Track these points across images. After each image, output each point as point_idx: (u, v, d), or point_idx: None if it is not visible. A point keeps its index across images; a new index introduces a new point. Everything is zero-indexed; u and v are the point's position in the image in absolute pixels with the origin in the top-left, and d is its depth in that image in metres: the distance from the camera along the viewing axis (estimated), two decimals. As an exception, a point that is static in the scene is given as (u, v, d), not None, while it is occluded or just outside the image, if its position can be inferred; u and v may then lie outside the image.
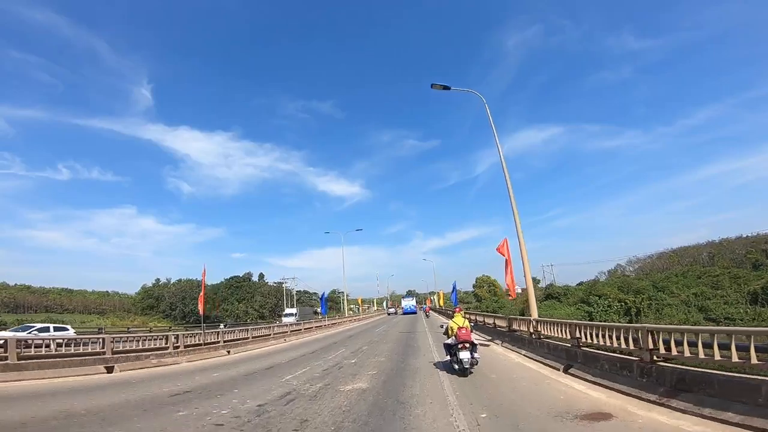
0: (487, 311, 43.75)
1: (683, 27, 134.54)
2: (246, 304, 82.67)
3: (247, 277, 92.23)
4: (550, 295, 57.02)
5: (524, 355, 12.30)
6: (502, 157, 14.50)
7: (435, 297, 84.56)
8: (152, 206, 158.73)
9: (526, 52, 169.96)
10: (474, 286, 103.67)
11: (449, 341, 9.80)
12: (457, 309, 11.63)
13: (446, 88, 15.18)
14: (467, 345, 9.24)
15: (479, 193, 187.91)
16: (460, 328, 9.51)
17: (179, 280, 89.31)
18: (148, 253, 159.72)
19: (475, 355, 9.48)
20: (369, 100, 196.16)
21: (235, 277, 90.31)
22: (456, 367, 9.43)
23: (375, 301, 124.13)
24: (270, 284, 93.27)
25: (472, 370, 9.38)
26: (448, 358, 9.90)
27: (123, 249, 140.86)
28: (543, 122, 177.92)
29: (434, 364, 11.22)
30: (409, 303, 76.08)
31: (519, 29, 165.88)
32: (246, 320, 69.92)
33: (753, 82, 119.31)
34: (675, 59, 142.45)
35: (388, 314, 75.97)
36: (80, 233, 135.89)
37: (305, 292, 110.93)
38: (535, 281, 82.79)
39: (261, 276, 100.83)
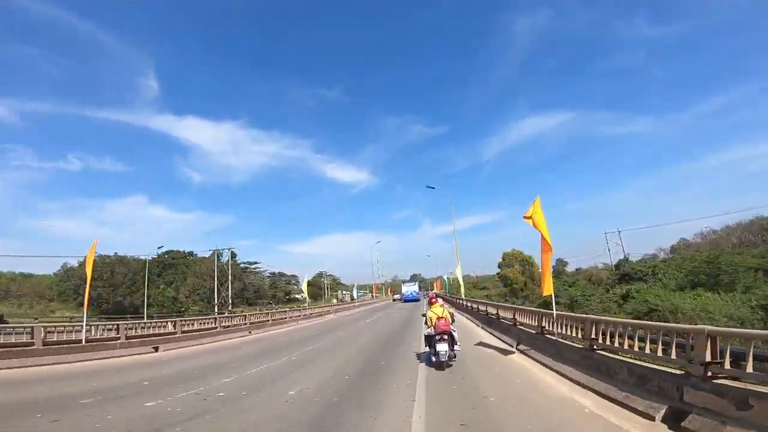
0: (514, 302, 36.44)
1: (697, 13, 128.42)
2: (176, 288, 63.68)
3: (189, 253, 73.55)
4: (627, 276, 43.66)
5: (574, 382, 6.82)
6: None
7: (441, 282, 70.10)
8: (163, 195, 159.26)
9: (536, 36, 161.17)
10: (500, 266, 73.26)
11: (428, 332, 9.28)
12: (433, 298, 11.02)
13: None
14: (445, 337, 8.81)
15: (487, 179, 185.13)
16: (438, 318, 9.02)
17: (112, 255, 67.47)
18: (160, 240, 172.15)
19: (456, 347, 9.06)
20: (377, 87, 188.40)
21: (170, 251, 71.41)
22: (433, 359, 8.95)
23: (373, 287, 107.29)
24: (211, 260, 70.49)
25: (450, 363, 8.98)
26: (427, 349, 9.45)
27: (136, 236, 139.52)
28: (553, 107, 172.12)
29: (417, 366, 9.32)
30: (410, 288, 65.06)
31: (529, 12, 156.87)
32: (178, 309, 55.46)
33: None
34: (689, 45, 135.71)
35: (394, 300, 69.46)
36: (93, 223, 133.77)
37: (281, 274, 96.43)
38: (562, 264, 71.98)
39: (227, 256, 79.79)
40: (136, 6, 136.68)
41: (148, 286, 57.33)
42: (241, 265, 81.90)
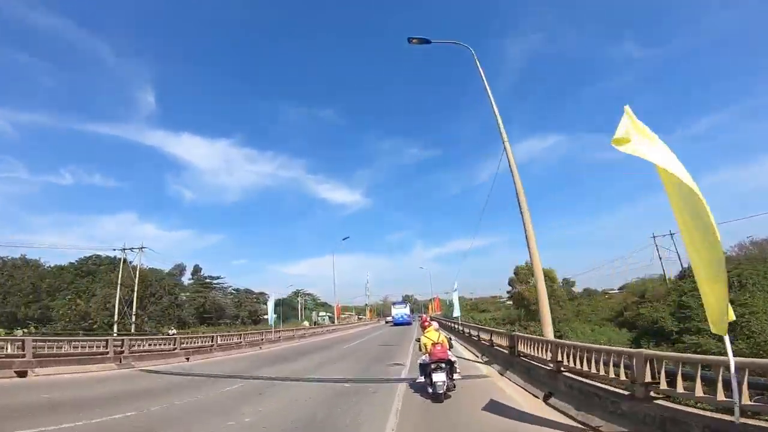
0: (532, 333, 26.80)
1: (683, 34, 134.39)
2: (87, 300, 48.51)
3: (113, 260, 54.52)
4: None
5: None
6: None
7: (439, 302, 64.33)
8: (153, 212, 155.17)
9: (527, 60, 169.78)
10: (512, 283, 61.99)
11: (423, 360, 8.71)
12: (426, 321, 10.25)
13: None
14: (442, 365, 8.16)
15: (481, 204, 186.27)
16: (434, 344, 8.43)
17: (18, 258, 54.50)
18: (147, 259, 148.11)
19: (455, 376, 8.54)
20: (371, 108, 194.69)
21: (94, 256, 59.59)
22: (430, 390, 8.21)
23: (365, 309, 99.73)
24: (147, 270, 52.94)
25: (449, 394, 8.33)
26: (422, 378, 8.67)
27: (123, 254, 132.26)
28: (543, 131, 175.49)
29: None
30: (401, 311, 59.81)
31: (520, 37, 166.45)
32: (90, 326, 42.36)
33: (753, 89, 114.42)
34: (674, 68, 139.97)
35: (387, 322, 64.56)
36: (82, 238, 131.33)
37: (247, 291, 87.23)
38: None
39: (189, 271, 76.44)
40: (134, 21, 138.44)
41: (55, 296, 50.24)
42: (206, 280, 75.90)
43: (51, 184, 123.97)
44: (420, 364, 8.90)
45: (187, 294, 69.92)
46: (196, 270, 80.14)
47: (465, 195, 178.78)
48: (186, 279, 78.60)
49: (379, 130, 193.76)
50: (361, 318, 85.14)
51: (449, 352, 8.62)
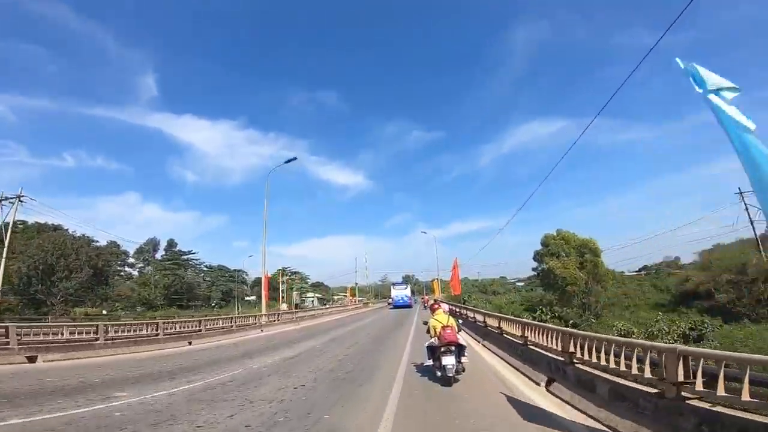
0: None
1: (697, 25, 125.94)
2: None
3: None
4: None
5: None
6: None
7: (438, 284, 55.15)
8: (157, 194, 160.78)
9: (535, 46, 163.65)
10: (539, 257, 47.76)
11: (431, 343, 8.53)
12: (435, 304, 9.75)
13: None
14: (452, 348, 8.02)
15: (483, 186, 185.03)
16: (444, 327, 8.23)
17: None
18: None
19: (463, 359, 8.35)
20: (375, 91, 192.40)
21: None
22: (438, 374, 8.15)
23: (350, 289, 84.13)
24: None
25: (457, 377, 8.19)
26: (430, 362, 8.56)
27: (127, 235, 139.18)
28: (550, 115, 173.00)
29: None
30: (401, 292, 53.49)
31: (528, 23, 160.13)
32: None
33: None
34: (689, 55, 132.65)
35: (389, 304, 56.76)
36: (84, 220, 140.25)
37: (221, 267, 74.82)
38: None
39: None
40: (136, 5, 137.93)
41: None
42: (205, 266, 67.61)
43: (53, 167, 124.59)
44: (427, 347, 8.77)
45: (161, 272, 62.47)
46: (171, 245, 70.88)
47: (468, 178, 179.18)
48: (159, 256, 71.33)
49: (382, 113, 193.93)
50: (352, 300, 71.43)
51: (458, 336, 8.37)
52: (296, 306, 55.17)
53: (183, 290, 60.75)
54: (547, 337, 8.10)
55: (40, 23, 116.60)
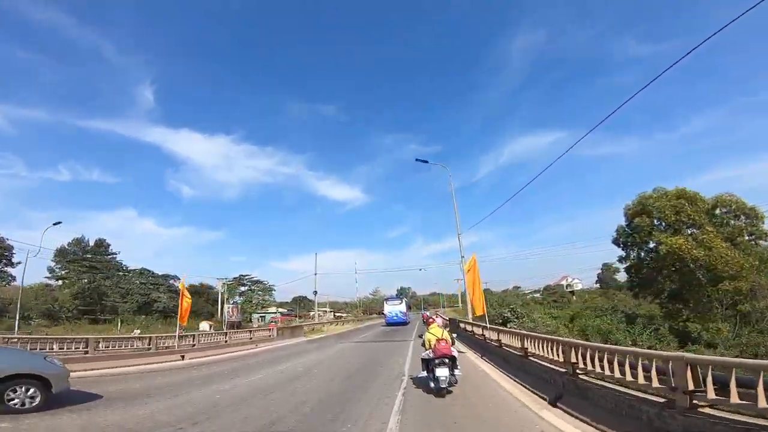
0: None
1: (685, 32, 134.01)
2: None
3: None
4: None
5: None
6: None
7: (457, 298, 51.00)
8: (152, 208, 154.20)
9: (531, 56, 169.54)
10: (631, 234, 31.73)
11: (426, 355, 8.62)
12: (429, 318, 9.66)
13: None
14: (446, 361, 8.22)
15: (480, 198, 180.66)
16: (438, 340, 8.42)
17: None
18: (147, 255, 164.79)
19: (456, 372, 8.46)
20: (372, 105, 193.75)
21: None
22: (432, 385, 8.31)
23: (356, 306, 76.80)
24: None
25: (450, 389, 8.35)
26: (425, 373, 8.78)
27: (123, 251, 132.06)
28: (545, 127, 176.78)
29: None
30: (396, 308, 46.81)
31: (524, 34, 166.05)
32: None
33: (754, 87, 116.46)
34: (677, 65, 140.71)
35: (386, 316, 48.37)
36: (80, 234, 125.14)
37: (144, 271, 59.96)
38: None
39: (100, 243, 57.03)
40: (134, 17, 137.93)
41: None
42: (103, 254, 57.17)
43: (49, 180, 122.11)
44: (422, 359, 8.93)
45: (69, 276, 53.33)
46: (99, 244, 59.46)
47: (465, 190, 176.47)
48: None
49: (379, 126, 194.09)
50: (333, 318, 60.47)
51: (452, 348, 8.51)
52: (236, 325, 40.02)
53: (93, 299, 51.66)
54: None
55: (39, 33, 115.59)
